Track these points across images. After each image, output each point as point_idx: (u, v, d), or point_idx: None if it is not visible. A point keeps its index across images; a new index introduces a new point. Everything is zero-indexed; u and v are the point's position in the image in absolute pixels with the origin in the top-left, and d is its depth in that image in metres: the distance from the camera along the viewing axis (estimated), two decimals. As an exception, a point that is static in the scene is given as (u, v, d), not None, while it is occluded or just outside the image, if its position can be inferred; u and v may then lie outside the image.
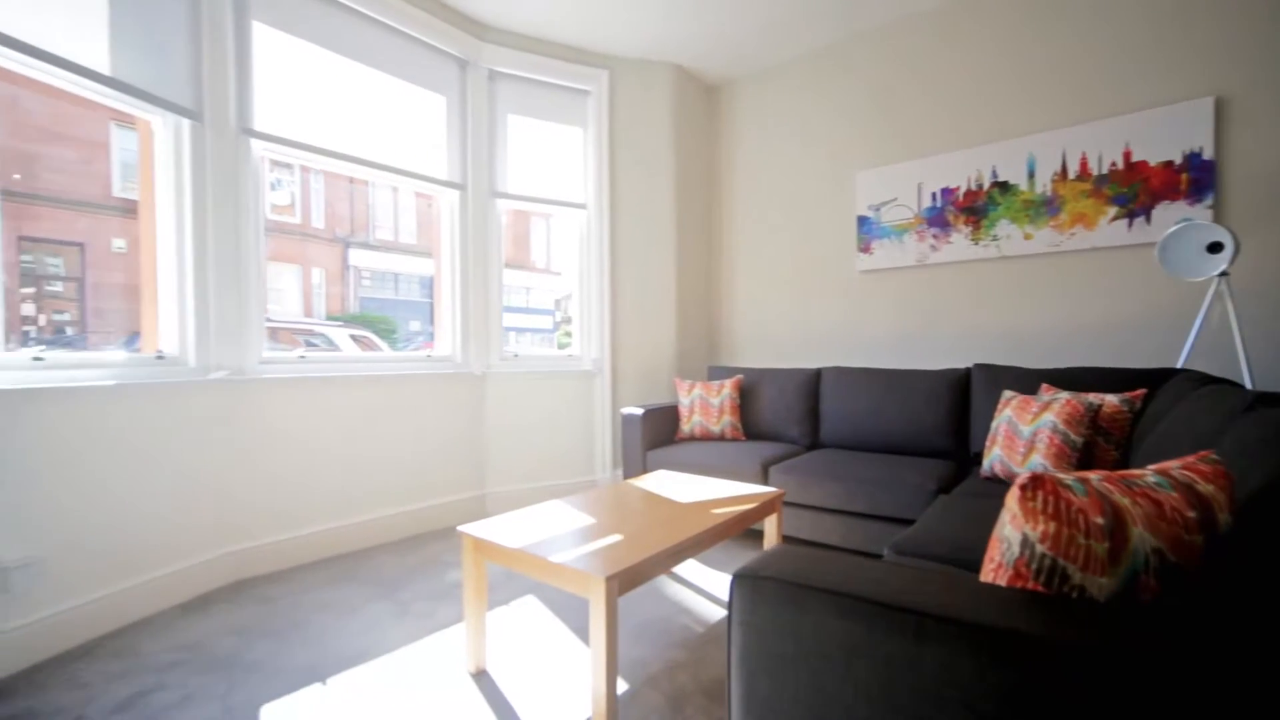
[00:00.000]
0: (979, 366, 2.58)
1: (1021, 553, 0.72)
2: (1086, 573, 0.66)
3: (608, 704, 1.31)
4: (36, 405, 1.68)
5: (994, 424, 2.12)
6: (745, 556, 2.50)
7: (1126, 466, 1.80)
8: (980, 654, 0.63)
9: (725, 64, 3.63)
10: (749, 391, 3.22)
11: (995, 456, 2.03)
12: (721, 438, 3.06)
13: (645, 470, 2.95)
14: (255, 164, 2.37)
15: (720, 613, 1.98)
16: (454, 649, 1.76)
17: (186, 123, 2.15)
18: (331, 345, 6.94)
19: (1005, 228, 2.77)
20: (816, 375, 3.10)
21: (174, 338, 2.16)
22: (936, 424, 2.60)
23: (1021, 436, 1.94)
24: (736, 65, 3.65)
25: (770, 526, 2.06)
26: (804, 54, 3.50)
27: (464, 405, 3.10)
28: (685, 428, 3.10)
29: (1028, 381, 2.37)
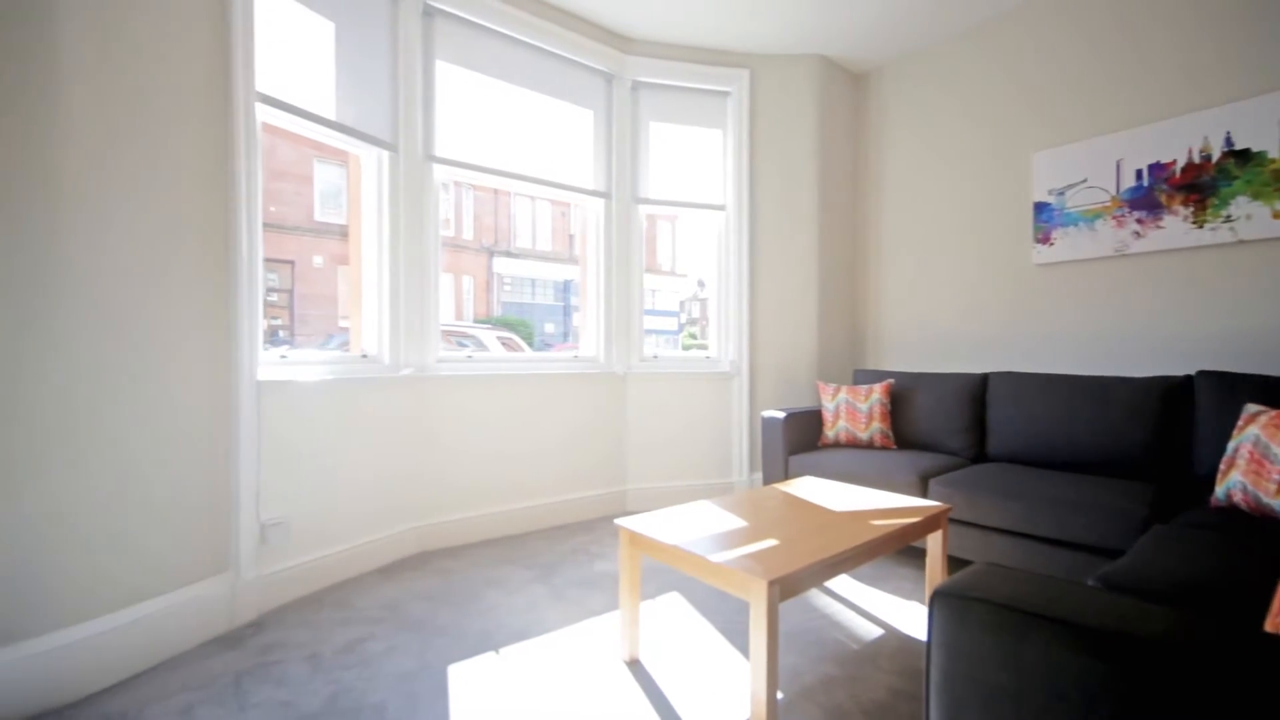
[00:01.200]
0: (1205, 374, 2.15)
1: (1338, 603, 0.59)
2: None
3: (768, 710, 1.29)
4: (284, 393, 2.06)
5: (1231, 443, 1.75)
6: (900, 573, 2.33)
7: None
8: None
9: (873, 49, 3.41)
10: (900, 397, 2.99)
11: (1234, 483, 1.68)
12: (870, 445, 2.87)
13: (787, 476, 2.87)
14: (435, 186, 2.68)
15: (876, 631, 1.87)
16: (607, 636, 1.84)
17: (385, 154, 2.50)
18: (481, 346, 7.63)
19: (1244, 206, 2.28)
20: (983, 381, 2.80)
21: (374, 339, 2.52)
22: (1143, 439, 2.21)
23: (1276, 461, 1.58)
24: (886, 49, 3.41)
25: (934, 544, 1.90)
26: (965, 29, 3.18)
27: (607, 404, 3.24)
28: (829, 433, 2.96)
29: None
